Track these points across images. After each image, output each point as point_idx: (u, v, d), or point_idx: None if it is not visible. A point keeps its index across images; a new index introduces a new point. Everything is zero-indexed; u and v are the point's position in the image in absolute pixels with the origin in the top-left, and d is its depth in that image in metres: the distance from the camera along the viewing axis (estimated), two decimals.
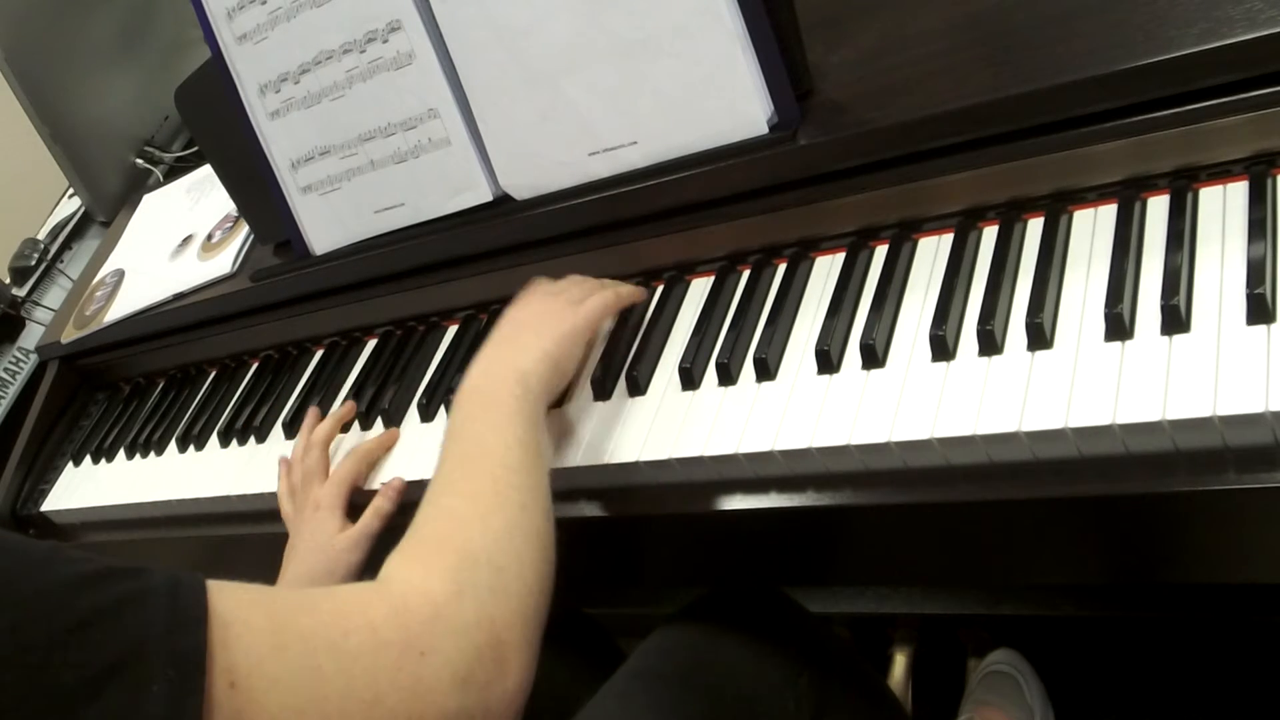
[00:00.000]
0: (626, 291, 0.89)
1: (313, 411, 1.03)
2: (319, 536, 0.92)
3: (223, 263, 1.21)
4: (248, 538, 1.07)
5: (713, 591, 0.93)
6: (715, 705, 0.82)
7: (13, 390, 1.49)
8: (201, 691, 0.49)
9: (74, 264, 1.58)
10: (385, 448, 0.98)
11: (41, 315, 1.54)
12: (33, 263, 1.59)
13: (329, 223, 1.07)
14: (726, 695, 0.83)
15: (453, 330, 1.06)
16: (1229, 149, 0.70)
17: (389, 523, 0.92)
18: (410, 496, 0.95)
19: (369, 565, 0.91)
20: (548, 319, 0.83)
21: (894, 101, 0.78)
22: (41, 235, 1.66)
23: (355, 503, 0.95)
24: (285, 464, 1.00)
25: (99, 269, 1.42)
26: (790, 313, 0.82)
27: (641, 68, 0.84)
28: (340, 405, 1.03)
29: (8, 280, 1.60)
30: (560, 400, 0.87)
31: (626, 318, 0.92)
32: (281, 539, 1.03)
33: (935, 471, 0.69)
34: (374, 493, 0.94)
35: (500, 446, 0.71)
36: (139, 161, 1.54)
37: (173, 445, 1.19)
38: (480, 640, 0.60)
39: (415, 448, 0.95)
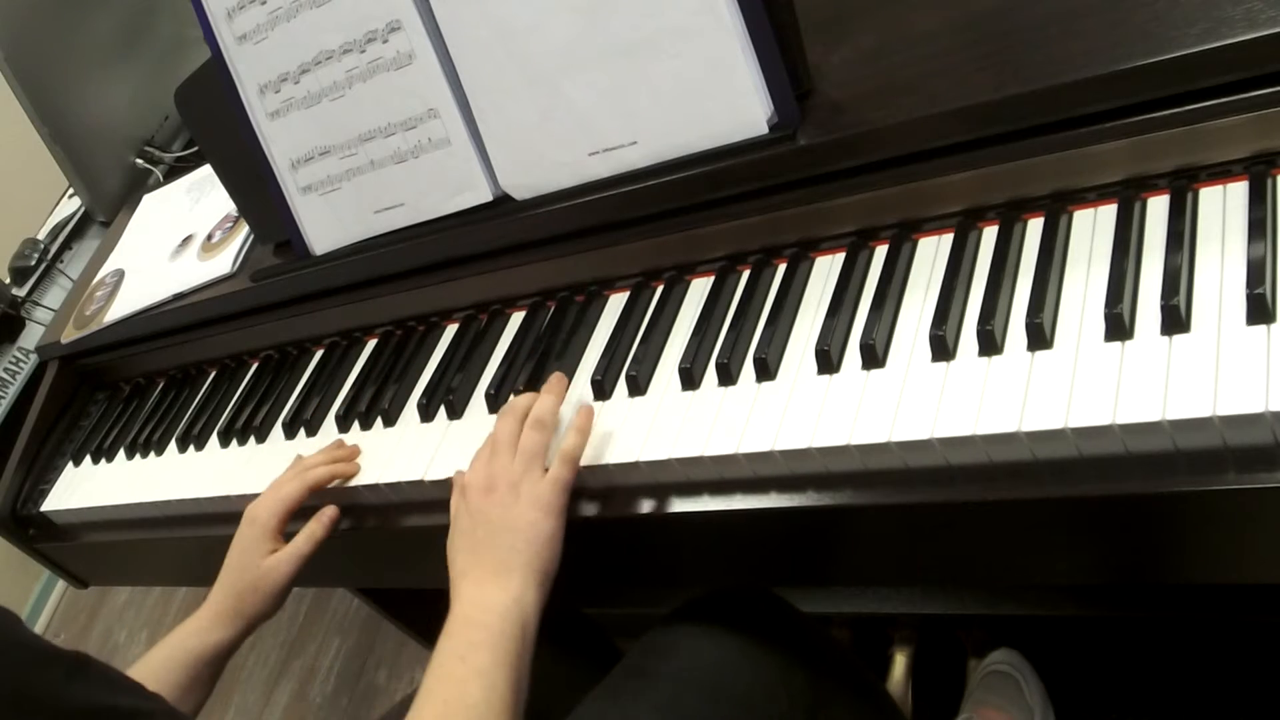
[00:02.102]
0: (572, 446, 0.81)
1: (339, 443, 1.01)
2: (248, 553, 0.93)
3: (223, 263, 1.21)
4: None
5: (707, 593, 0.93)
6: (709, 705, 0.82)
7: (13, 390, 1.49)
8: None
9: (74, 264, 1.58)
10: (340, 475, 0.97)
11: (41, 315, 1.54)
12: (33, 263, 1.59)
13: (329, 223, 1.07)
14: (720, 695, 0.83)
15: (453, 330, 1.06)
16: (1229, 149, 0.70)
17: (319, 548, 0.94)
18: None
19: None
20: (521, 522, 0.78)
21: (894, 101, 0.78)
22: (41, 235, 1.66)
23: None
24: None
25: (99, 269, 1.42)
26: (790, 313, 0.82)
27: (641, 68, 0.84)
28: (341, 452, 0.99)
29: (8, 280, 1.60)
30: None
31: (627, 318, 0.92)
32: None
33: (935, 471, 0.69)
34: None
35: (483, 704, 0.70)
36: (139, 161, 1.54)
37: (173, 445, 1.19)
38: None
39: (415, 447, 0.95)
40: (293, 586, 0.94)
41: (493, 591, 0.76)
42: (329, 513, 0.95)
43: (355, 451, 0.99)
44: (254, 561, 0.93)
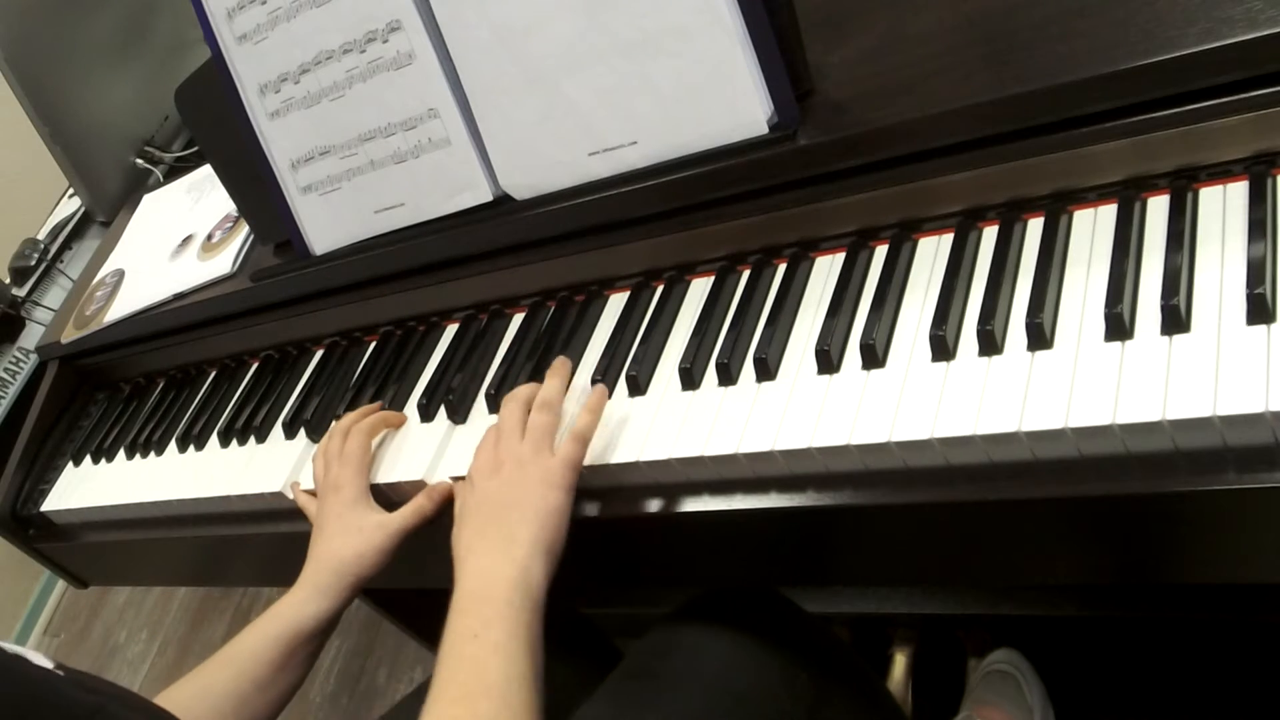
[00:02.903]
0: (584, 426, 0.81)
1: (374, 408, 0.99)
2: (345, 518, 0.89)
3: (223, 263, 1.21)
4: (248, 538, 1.07)
5: (708, 591, 0.93)
6: (710, 705, 0.82)
7: (13, 390, 1.49)
8: None
9: (74, 264, 1.58)
10: (390, 423, 0.96)
11: (41, 315, 1.54)
12: (33, 263, 1.59)
13: (329, 223, 1.07)
14: (722, 695, 0.83)
15: (453, 330, 1.06)
16: (1229, 149, 0.70)
17: (427, 524, 0.89)
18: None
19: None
20: (529, 496, 0.77)
21: (894, 101, 0.78)
22: (41, 235, 1.66)
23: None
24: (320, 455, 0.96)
25: (99, 269, 1.42)
26: (790, 313, 0.82)
27: (641, 68, 0.84)
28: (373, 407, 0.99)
29: (8, 280, 1.60)
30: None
31: (627, 319, 0.92)
32: (281, 539, 1.04)
33: (935, 471, 0.69)
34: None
35: (504, 679, 0.68)
36: (139, 161, 1.54)
37: (173, 445, 1.19)
38: None
39: (415, 448, 0.95)
40: (398, 551, 0.89)
41: (500, 563, 0.74)
42: (440, 488, 0.89)
43: (394, 414, 0.97)
44: (355, 524, 0.88)
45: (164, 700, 0.81)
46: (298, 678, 0.88)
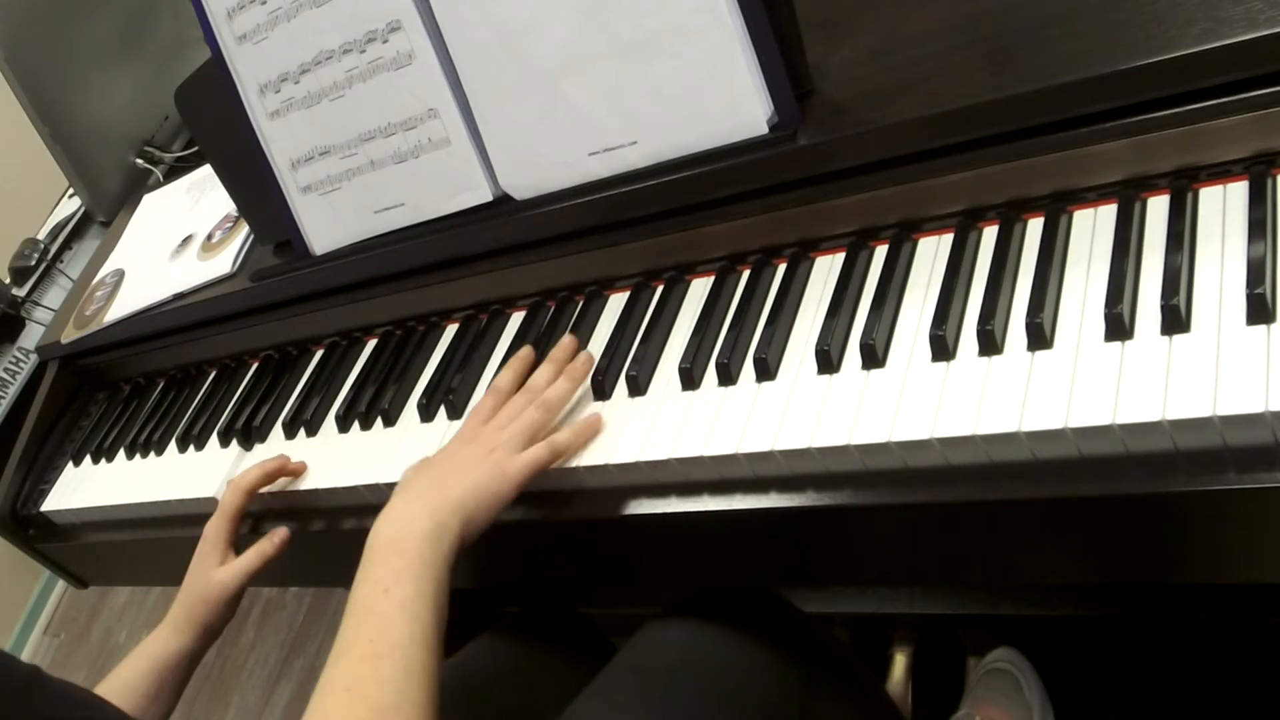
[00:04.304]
0: (563, 441, 0.83)
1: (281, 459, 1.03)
2: (199, 566, 0.96)
3: (223, 263, 1.21)
4: (247, 538, 1.07)
5: (701, 590, 0.93)
6: (704, 702, 0.82)
7: (13, 390, 1.49)
8: None
9: (74, 264, 1.58)
10: (269, 471, 1.00)
11: (41, 315, 1.54)
12: (33, 263, 1.59)
13: (329, 223, 1.07)
14: (715, 692, 0.83)
15: (453, 330, 1.06)
16: (1229, 149, 0.70)
17: (268, 565, 0.96)
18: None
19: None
20: (477, 472, 0.80)
21: (894, 101, 0.78)
22: (41, 235, 1.66)
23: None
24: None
25: (99, 269, 1.42)
26: (790, 313, 0.82)
27: (641, 68, 0.84)
28: (272, 461, 1.02)
29: (8, 280, 1.60)
30: None
31: (627, 319, 0.92)
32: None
33: (935, 471, 0.69)
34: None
35: (408, 639, 0.70)
36: (139, 161, 1.54)
37: (173, 445, 1.19)
38: None
39: (415, 448, 0.95)
40: (239, 596, 0.96)
41: (420, 514, 0.76)
42: (280, 533, 0.97)
43: (287, 461, 1.02)
44: (204, 573, 0.96)
45: None
46: (168, 708, 0.94)
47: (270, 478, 1.00)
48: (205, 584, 0.95)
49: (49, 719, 0.58)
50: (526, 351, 0.91)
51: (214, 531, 0.97)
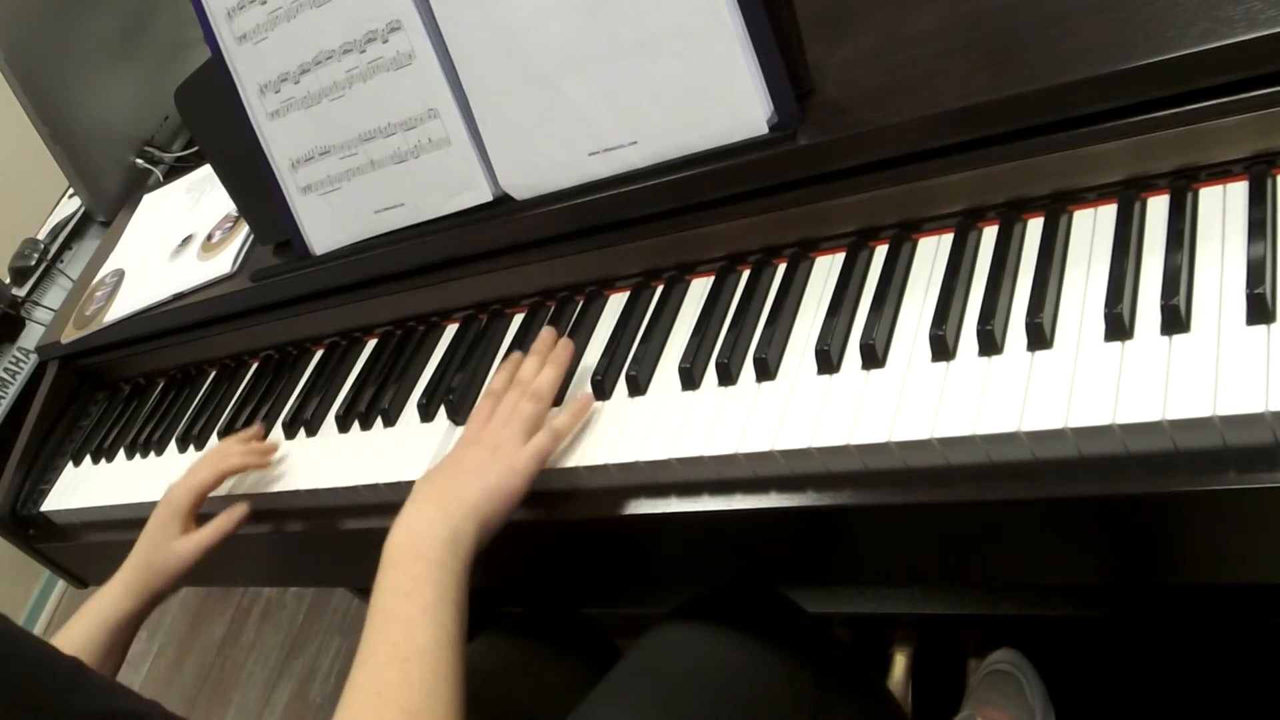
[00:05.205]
0: (562, 425, 0.84)
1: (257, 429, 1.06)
2: (158, 533, 0.96)
3: (223, 263, 1.21)
4: (247, 537, 1.07)
5: (709, 591, 0.93)
6: (712, 705, 0.82)
7: (13, 390, 1.49)
8: None
9: (74, 264, 1.58)
10: (251, 465, 1.01)
11: (41, 315, 1.54)
12: (33, 263, 1.59)
13: (329, 223, 1.07)
14: (723, 695, 0.83)
15: (453, 330, 1.06)
16: (1229, 149, 0.70)
17: (226, 541, 0.97)
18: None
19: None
20: (487, 471, 0.80)
21: (894, 101, 0.78)
22: (41, 235, 1.66)
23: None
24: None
25: (99, 269, 1.42)
26: (790, 313, 0.82)
27: (641, 68, 0.84)
28: (256, 444, 1.04)
29: (8, 280, 1.60)
30: (558, 403, 0.87)
31: (627, 319, 0.92)
32: (280, 540, 1.04)
33: (935, 471, 0.69)
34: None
35: (433, 643, 0.70)
36: (139, 161, 1.54)
37: (173, 445, 1.19)
38: None
39: (415, 447, 0.95)
40: (191, 571, 0.96)
41: (436, 521, 0.76)
42: (239, 509, 0.98)
43: (271, 447, 1.03)
44: (163, 541, 0.96)
45: None
46: (116, 665, 0.95)
47: (248, 469, 1.01)
48: (164, 554, 0.95)
49: (91, 712, 0.58)
50: (517, 356, 0.91)
51: (180, 501, 0.97)
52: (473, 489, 0.78)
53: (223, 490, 1.04)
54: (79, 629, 0.93)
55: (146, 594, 0.95)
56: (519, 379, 0.87)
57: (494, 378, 0.90)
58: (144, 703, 0.63)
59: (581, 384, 0.89)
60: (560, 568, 0.95)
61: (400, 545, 0.75)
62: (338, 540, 0.98)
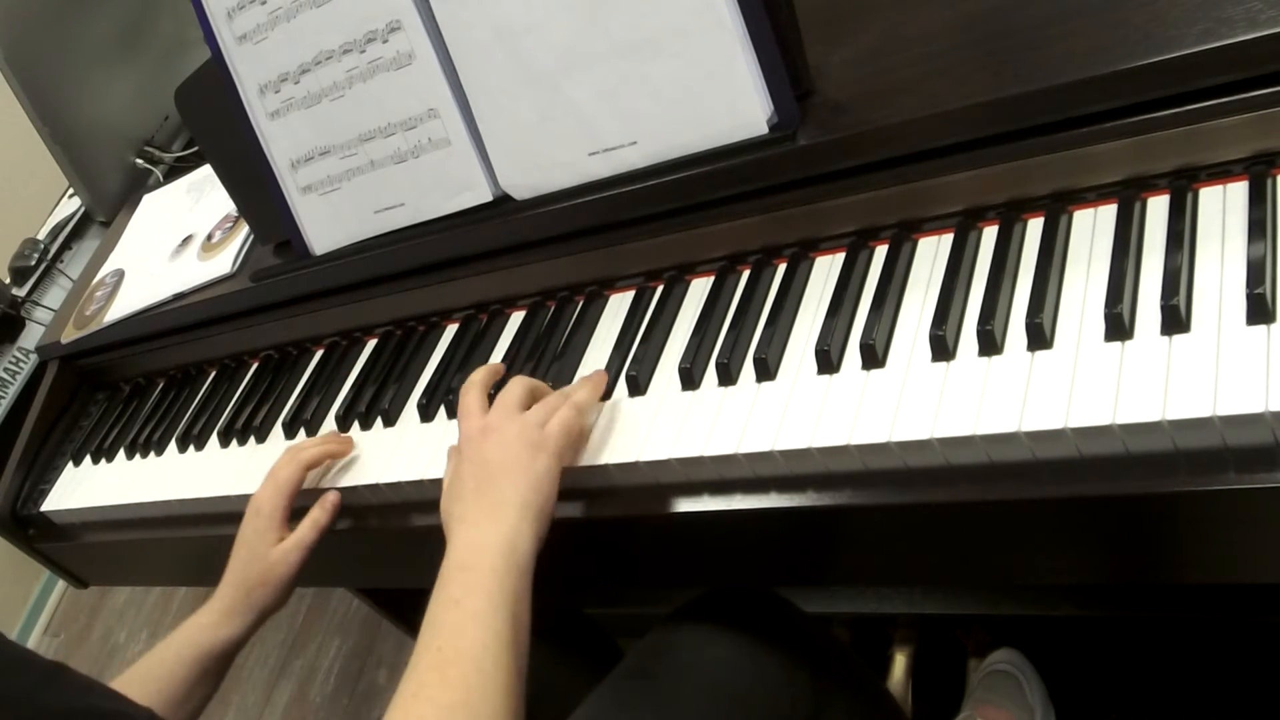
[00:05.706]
0: (582, 398, 0.82)
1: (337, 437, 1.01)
2: (255, 545, 0.92)
3: (223, 263, 1.21)
4: None
5: (709, 592, 0.93)
6: (711, 705, 0.82)
7: (13, 390, 1.49)
8: None
9: (74, 264, 1.58)
10: (333, 455, 0.97)
11: (41, 315, 1.54)
12: (33, 263, 1.59)
13: (329, 223, 1.07)
14: (722, 695, 0.83)
15: (453, 330, 1.06)
16: (1229, 149, 0.70)
17: (324, 534, 0.93)
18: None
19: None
20: (518, 461, 0.76)
21: (894, 101, 0.78)
22: (41, 235, 1.66)
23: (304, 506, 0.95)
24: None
25: (99, 269, 1.42)
26: (790, 313, 0.82)
27: (641, 68, 0.84)
28: (333, 437, 1.00)
29: (8, 280, 1.60)
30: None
31: (627, 319, 0.92)
32: None
33: (935, 471, 0.69)
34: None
35: (479, 646, 0.69)
36: (139, 161, 1.54)
37: (173, 445, 1.19)
38: None
39: (415, 447, 0.95)
40: (299, 576, 0.92)
41: (488, 532, 0.73)
42: (331, 498, 0.94)
43: (349, 440, 0.99)
44: (262, 553, 0.91)
45: None
46: (209, 693, 0.92)
47: (327, 456, 0.97)
48: (266, 565, 0.90)
49: (65, 705, 0.58)
50: (496, 365, 0.90)
51: (269, 507, 0.92)
52: (513, 488, 0.75)
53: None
54: (165, 655, 0.89)
55: (252, 613, 0.91)
56: (521, 378, 0.85)
57: (476, 372, 0.87)
58: (130, 704, 0.63)
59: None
60: (560, 568, 0.95)
61: (455, 564, 0.74)
62: (337, 540, 0.98)
